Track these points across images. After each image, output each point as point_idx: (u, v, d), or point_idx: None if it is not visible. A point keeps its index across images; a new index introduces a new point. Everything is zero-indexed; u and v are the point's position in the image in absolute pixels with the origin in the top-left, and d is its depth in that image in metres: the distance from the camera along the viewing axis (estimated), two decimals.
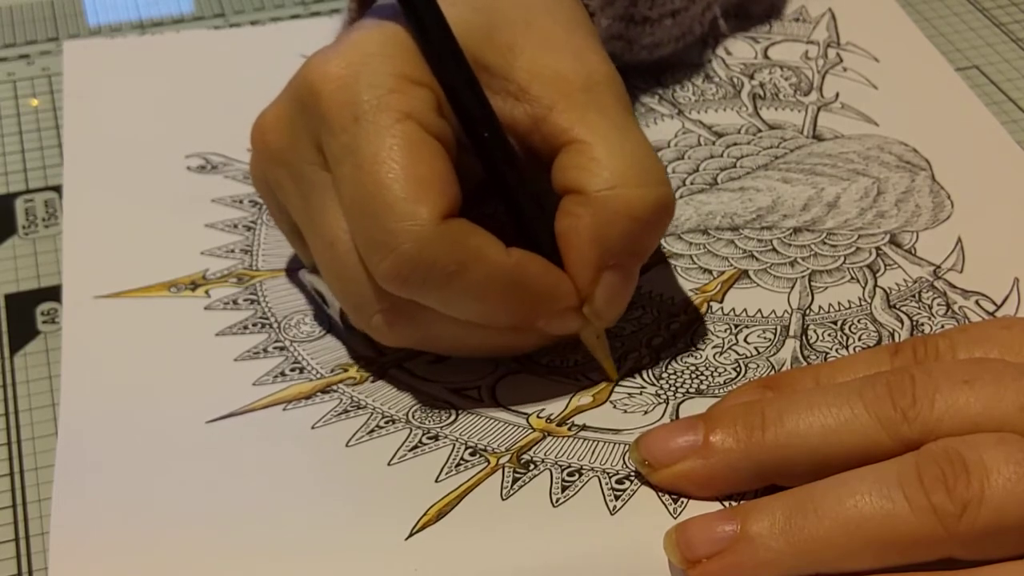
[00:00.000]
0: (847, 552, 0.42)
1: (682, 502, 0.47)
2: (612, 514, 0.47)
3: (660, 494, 0.47)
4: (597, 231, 0.48)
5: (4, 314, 0.56)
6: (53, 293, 0.56)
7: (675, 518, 0.46)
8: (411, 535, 0.46)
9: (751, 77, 0.67)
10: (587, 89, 0.49)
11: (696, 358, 0.53)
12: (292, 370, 0.52)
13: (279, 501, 0.47)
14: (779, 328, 0.54)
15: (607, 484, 0.48)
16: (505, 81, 0.50)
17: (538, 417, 0.51)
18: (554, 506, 0.47)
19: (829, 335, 0.53)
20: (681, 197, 0.60)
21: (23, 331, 0.55)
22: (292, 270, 0.57)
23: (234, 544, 0.46)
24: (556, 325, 0.49)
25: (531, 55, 0.50)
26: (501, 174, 0.49)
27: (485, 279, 0.46)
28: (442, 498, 0.47)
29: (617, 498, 0.47)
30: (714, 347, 0.53)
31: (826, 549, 0.42)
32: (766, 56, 0.69)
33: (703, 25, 0.68)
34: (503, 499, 0.47)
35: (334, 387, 0.52)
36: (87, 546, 0.46)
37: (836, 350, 0.53)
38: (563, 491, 0.47)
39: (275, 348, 0.53)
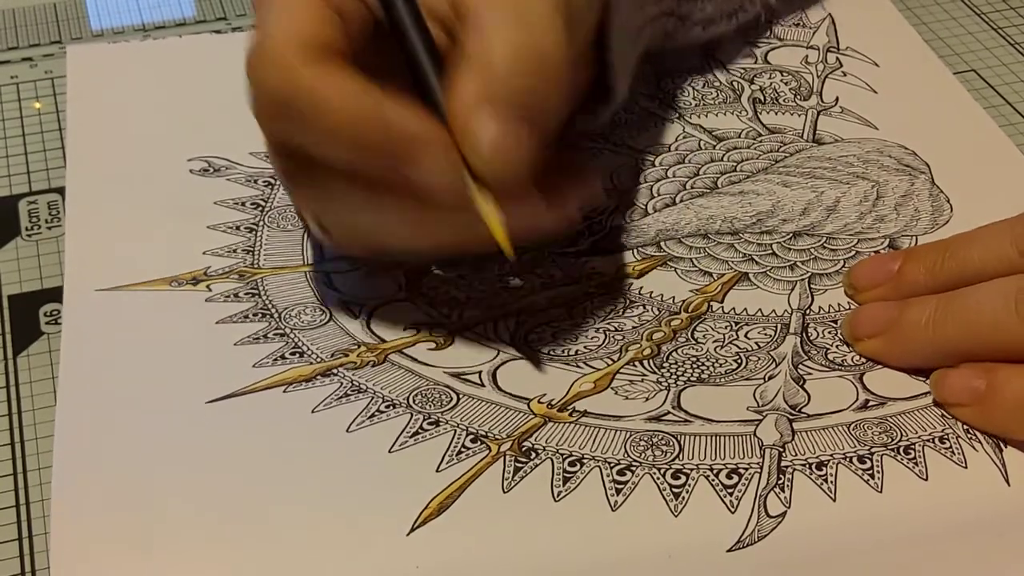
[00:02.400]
0: (970, 350, 0.51)
1: (683, 498, 0.47)
2: (613, 510, 0.47)
3: (661, 489, 0.47)
4: (472, 70, 0.47)
5: (7, 315, 0.56)
6: (56, 294, 0.56)
7: (676, 516, 0.46)
8: (412, 530, 0.46)
9: (751, 82, 0.68)
10: None
11: (697, 351, 0.53)
12: (292, 354, 0.53)
13: (280, 491, 0.47)
14: (779, 326, 0.54)
15: (608, 476, 0.48)
16: None
17: (539, 402, 0.51)
18: (555, 500, 0.47)
19: (830, 333, 0.54)
20: (682, 201, 0.60)
21: (26, 332, 0.55)
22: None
23: (234, 535, 0.46)
24: (428, 168, 0.47)
25: None
26: (401, 25, 0.49)
27: (343, 111, 0.46)
28: (443, 490, 0.47)
29: (618, 492, 0.47)
30: (715, 341, 0.53)
31: (955, 345, 0.51)
32: (766, 61, 0.69)
33: (754, 2, 0.69)
34: (504, 491, 0.47)
35: (334, 371, 0.52)
36: (86, 528, 0.46)
37: (836, 346, 0.53)
38: (564, 483, 0.48)
39: (275, 334, 0.53)
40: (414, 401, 0.51)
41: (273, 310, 0.55)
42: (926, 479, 0.48)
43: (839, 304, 0.55)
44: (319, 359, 0.52)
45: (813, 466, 0.48)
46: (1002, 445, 0.49)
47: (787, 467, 0.48)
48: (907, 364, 0.53)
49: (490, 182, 0.47)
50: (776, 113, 0.66)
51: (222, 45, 0.71)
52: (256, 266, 0.57)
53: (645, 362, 0.53)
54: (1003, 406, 0.49)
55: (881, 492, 0.48)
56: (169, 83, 0.67)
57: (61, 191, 0.61)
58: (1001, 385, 0.49)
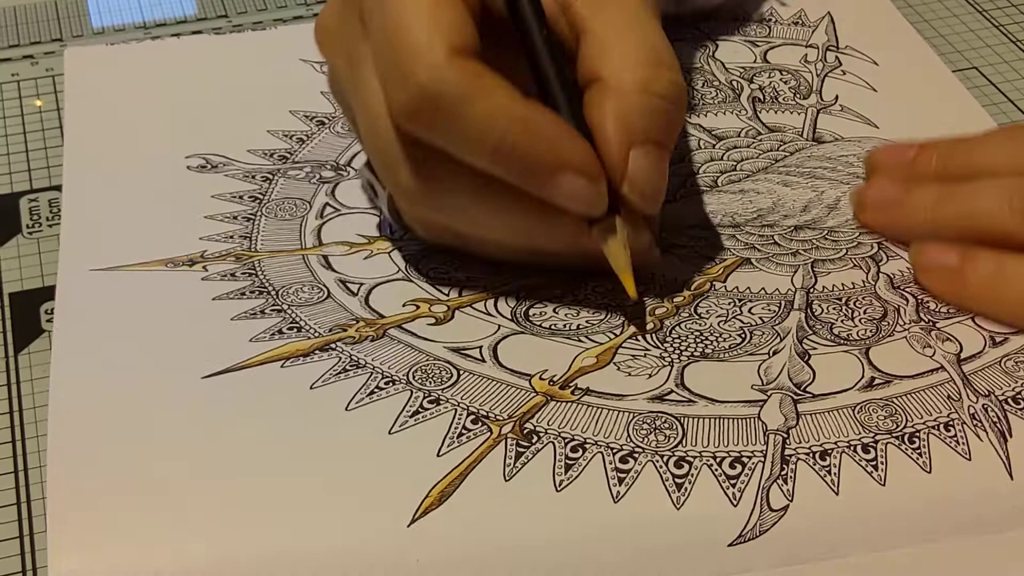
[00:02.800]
0: (963, 235, 0.55)
1: (685, 490, 0.47)
2: (615, 501, 0.47)
3: (664, 480, 0.47)
4: (616, 110, 0.49)
5: (8, 313, 0.56)
6: None
7: (678, 508, 0.46)
8: (413, 521, 0.46)
9: (750, 81, 0.68)
10: None
11: (700, 325, 0.53)
12: (290, 328, 0.53)
13: (280, 476, 0.47)
14: (783, 303, 0.54)
15: (611, 463, 0.48)
16: None
17: (540, 379, 0.51)
18: (557, 490, 0.47)
19: (834, 308, 0.54)
20: (681, 199, 0.60)
21: (27, 330, 0.55)
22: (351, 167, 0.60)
23: (230, 519, 0.46)
24: (568, 188, 0.49)
25: None
26: (535, 51, 0.51)
27: (494, 113, 0.47)
28: (444, 477, 0.47)
29: (621, 482, 0.47)
30: (718, 316, 0.53)
31: (951, 229, 0.55)
32: (765, 60, 0.69)
33: None
34: (506, 479, 0.47)
35: (333, 345, 0.52)
36: (81, 501, 0.46)
37: (842, 321, 0.53)
38: (566, 471, 0.47)
39: (272, 310, 0.54)
40: (414, 377, 0.51)
41: (270, 287, 0.55)
42: (929, 471, 0.48)
43: (843, 284, 0.55)
44: (317, 334, 0.52)
45: (817, 455, 0.48)
46: (1007, 435, 0.49)
47: (791, 456, 0.48)
48: (904, 239, 0.57)
49: (644, 205, 0.51)
50: (776, 112, 0.66)
51: (218, 46, 0.71)
52: (253, 250, 0.57)
53: (648, 337, 0.52)
54: (972, 282, 0.54)
55: (884, 485, 0.47)
56: (165, 85, 0.67)
57: (62, 188, 0.61)
58: (975, 263, 0.54)
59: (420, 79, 0.47)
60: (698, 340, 0.52)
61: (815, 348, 0.52)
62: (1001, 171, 0.56)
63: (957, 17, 0.73)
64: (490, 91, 0.48)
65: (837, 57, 0.69)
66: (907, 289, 0.55)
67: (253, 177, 0.61)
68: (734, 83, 0.68)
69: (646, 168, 0.50)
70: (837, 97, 0.66)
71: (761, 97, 0.67)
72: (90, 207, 0.59)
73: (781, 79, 0.68)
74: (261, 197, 0.60)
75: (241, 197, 0.60)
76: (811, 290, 0.55)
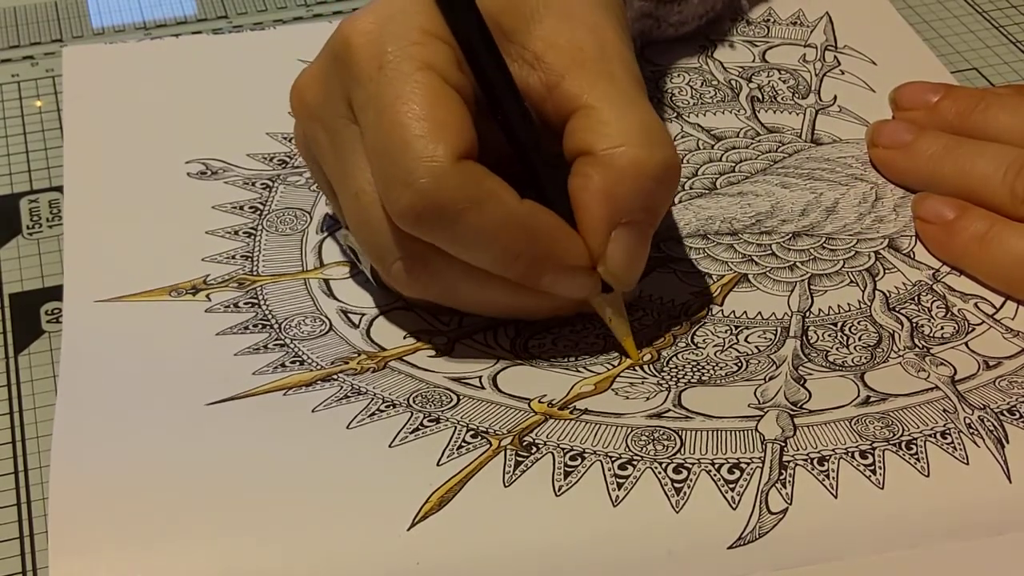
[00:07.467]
0: (954, 188, 0.58)
1: (684, 493, 0.47)
2: (615, 505, 0.47)
3: (663, 484, 0.47)
4: (605, 188, 0.49)
5: (9, 314, 0.56)
6: (58, 293, 0.56)
7: (677, 512, 0.46)
8: (413, 525, 0.46)
9: (749, 80, 0.68)
10: (599, 60, 0.51)
11: (697, 355, 0.53)
12: (292, 362, 0.53)
13: (280, 486, 0.47)
14: (779, 329, 0.54)
15: (609, 470, 0.48)
16: (522, 48, 0.51)
17: (539, 402, 0.51)
18: (556, 495, 0.47)
19: (829, 335, 0.54)
20: (680, 202, 0.60)
21: (28, 331, 0.55)
22: (330, 231, 0.59)
23: (231, 531, 0.46)
24: (564, 283, 0.50)
25: (549, 25, 0.52)
26: (515, 132, 0.50)
27: (497, 220, 0.48)
28: (444, 483, 0.47)
29: (620, 486, 0.47)
30: (715, 346, 0.53)
31: (946, 183, 0.58)
32: (764, 59, 0.69)
33: (725, 2, 0.70)
34: (505, 485, 0.47)
35: (334, 376, 0.52)
36: (83, 529, 0.46)
37: (836, 348, 0.53)
38: (565, 477, 0.48)
39: (275, 345, 0.53)
40: (414, 401, 0.51)
41: (273, 320, 0.55)
42: (927, 475, 0.48)
43: (839, 306, 0.55)
44: (319, 367, 0.52)
45: (815, 461, 0.48)
46: (1004, 441, 0.49)
47: (788, 462, 0.48)
48: (903, 183, 0.61)
49: (621, 286, 0.52)
50: (774, 112, 0.66)
51: (217, 46, 0.71)
52: (255, 273, 0.57)
53: (645, 367, 0.53)
54: (961, 237, 0.56)
55: (883, 488, 0.47)
56: (165, 85, 0.67)
57: (62, 189, 0.61)
58: (967, 219, 0.56)
59: (425, 185, 0.46)
60: (695, 369, 0.52)
61: (811, 374, 0.52)
62: (1010, 138, 0.58)
63: (957, 18, 0.73)
64: (494, 197, 0.48)
65: (836, 57, 0.69)
66: (902, 311, 0.55)
67: (253, 184, 0.61)
68: (732, 82, 0.68)
69: (625, 250, 0.50)
70: (835, 98, 0.67)
71: (760, 96, 0.67)
72: (92, 225, 0.59)
73: (780, 78, 0.68)
74: (262, 207, 0.60)
75: (242, 208, 0.60)
76: (807, 314, 0.55)
